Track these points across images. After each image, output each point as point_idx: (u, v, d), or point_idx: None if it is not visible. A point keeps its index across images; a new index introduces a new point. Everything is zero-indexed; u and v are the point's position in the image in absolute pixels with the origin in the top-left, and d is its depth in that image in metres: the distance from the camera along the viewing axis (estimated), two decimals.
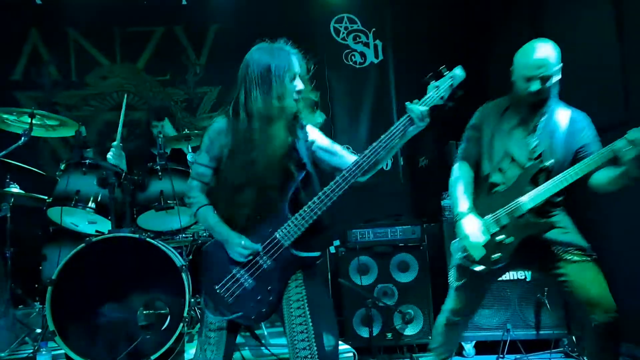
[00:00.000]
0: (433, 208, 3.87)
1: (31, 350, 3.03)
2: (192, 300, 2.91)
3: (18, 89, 4.37)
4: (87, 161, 3.07)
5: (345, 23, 4.74)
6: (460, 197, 2.33)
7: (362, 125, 4.75)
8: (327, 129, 4.74)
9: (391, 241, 3.71)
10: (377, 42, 4.75)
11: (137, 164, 3.78)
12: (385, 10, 4.75)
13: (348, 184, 1.85)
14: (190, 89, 4.71)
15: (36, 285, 3.44)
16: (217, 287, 1.90)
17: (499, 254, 2.21)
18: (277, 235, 1.86)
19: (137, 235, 2.84)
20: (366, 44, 4.75)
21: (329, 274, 4.04)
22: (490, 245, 2.22)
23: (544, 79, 2.17)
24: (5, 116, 3.18)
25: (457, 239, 2.34)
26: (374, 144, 1.86)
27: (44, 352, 2.81)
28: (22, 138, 3.10)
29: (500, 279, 3.46)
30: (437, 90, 1.86)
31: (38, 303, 3.42)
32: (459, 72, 1.86)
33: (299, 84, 1.90)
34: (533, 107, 2.25)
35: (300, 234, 1.85)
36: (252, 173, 1.85)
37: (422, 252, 3.66)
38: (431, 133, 4.51)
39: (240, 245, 1.86)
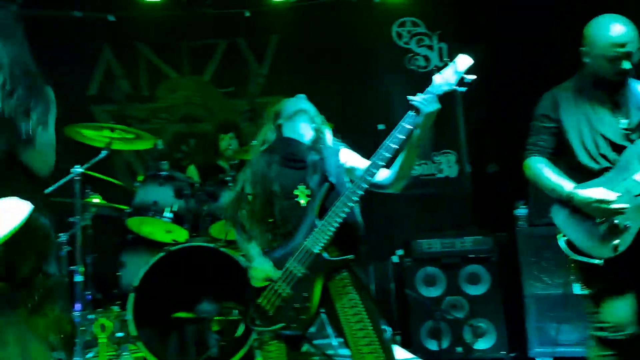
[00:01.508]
0: (504, 218, 3.88)
1: (112, 353, 3.33)
2: None
3: (93, 103, 4.77)
4: (164, 173, 3.34)
5: (409, 27, 4.83)
6: (558, 180, 2.19)
7: None
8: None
9: (460, 252, 3.74)
10: (442, 44, 4.80)
11: (205, 175, 4.06)
12: (450, 12, 4.80)
13: (364, 184, 2.02)
14: (252, 100, 4.97)
15: (115, 291, 3.74)
16: (258, 300, 2.09)
17: (618, 240, 2.08)
18: (306, 244, 2.05)
19: (212, 245, 3.07)
20: (430, 47, 4.82)
21: (392, 283, 4.13)
22: (607, 232, 2.11)
23: (632, 55, 2.11)
24: (85, 132, 3.50)
25: (571, 229, 2.17)
26: (384, 142, 2.04)
27: (125, 355, 3.08)
28: (103, 151, 3.43)
29: (578, 292, 3.44)
30: (442, 77, 2.02)
31: (117, 307, 3.73)
32: (462, 59, 2.01)
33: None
34: (615, 84, 2.20)
35: (328, 239, 2.03)
36: (279, 193, 2.13)
37: (493, 264, 3.68)
38: (501, 139, 4.54)
39: (257, 271, 2.10)
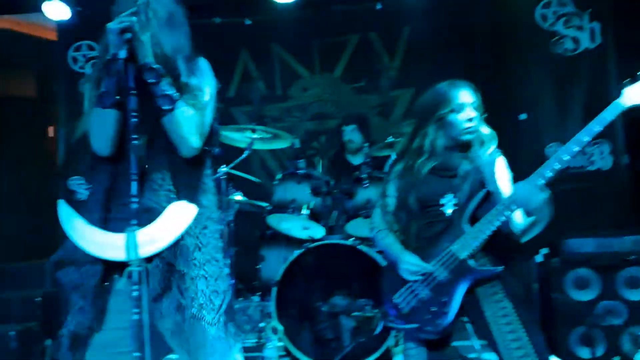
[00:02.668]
0: None
1: (254, 341, 3.59)
2: None
3: (232, 105, 5.11)
4: (301, 171, 3.50)
5: (554, 7, 4.50)
6: None
7: (573, 121, 4.45)
8: (531, 127, 4.59)
9: (618, 253, 3.43)
10: (594, 24, 4.41)
11: (335, 170, 4.17)
12: None
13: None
14: (384, 94, 4.99)
15: (255, 282, 4.01)
16: (394, 297, 2.08)
17: None
18: (453, 248, 1.99)
19: (349, 242, 3.16)
20: (580, 28, 4.45)
21: (535, 284, 3.91)
22: None
23: None
24: (229, 134, 3.79)
25: None
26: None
27: (270, 348, 3.29)
28: (246, 151, 3.69)
29: None
30: (634, 90, 1.86)
31: (257, 297, 4.00)
32: None
33: (467, 115, 2.09)
34: None
35: (478, 246, 1.96)
36: (429, 196, 2.08)
37: None
38: None
39: (409, 264, 2.04)
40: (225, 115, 4.98)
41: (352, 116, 4.27)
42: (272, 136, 3.81)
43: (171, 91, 1.61)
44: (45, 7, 4.22)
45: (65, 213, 1.65)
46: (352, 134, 4.09)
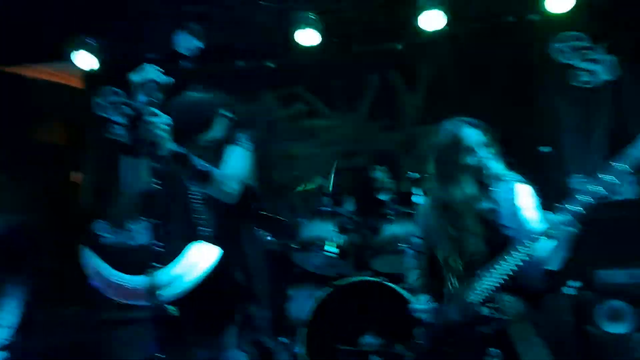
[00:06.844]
0: None
1: None
2: None
3: None
4: (327, 209, 3.63)
5: (571, 41, 4.63)
6: None
7: (597, 153, 4.54)
8: (554, 160, 4.64)
9: None
10: (611, 57, 4.52)
11: (364, 208, 4.29)
12: (615, 21, 4.52)
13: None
14: (407, 131, 5.12)
15: (283, 323, 4.09)
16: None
17: None
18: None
19: (376, 279, 3.27)
20: (596, 61, 4.55)
21: (567, 317, 3.91)
22: None
23: None
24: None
25: None
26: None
27: None
28: None
29: None
30: None
31: (285, 339, 4.07)
32: None
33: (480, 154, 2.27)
34: None
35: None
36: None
37: None
38: None
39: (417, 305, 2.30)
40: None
41: (383, 157, 4.42)
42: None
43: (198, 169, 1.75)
44: (73, 57, 4.46)
45: (89, 259, 1.74)
46: (381, 174, 4.22)
